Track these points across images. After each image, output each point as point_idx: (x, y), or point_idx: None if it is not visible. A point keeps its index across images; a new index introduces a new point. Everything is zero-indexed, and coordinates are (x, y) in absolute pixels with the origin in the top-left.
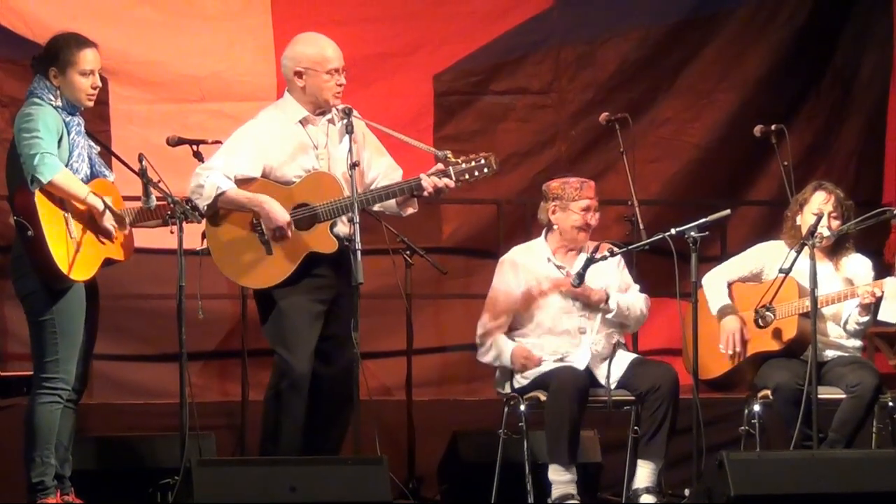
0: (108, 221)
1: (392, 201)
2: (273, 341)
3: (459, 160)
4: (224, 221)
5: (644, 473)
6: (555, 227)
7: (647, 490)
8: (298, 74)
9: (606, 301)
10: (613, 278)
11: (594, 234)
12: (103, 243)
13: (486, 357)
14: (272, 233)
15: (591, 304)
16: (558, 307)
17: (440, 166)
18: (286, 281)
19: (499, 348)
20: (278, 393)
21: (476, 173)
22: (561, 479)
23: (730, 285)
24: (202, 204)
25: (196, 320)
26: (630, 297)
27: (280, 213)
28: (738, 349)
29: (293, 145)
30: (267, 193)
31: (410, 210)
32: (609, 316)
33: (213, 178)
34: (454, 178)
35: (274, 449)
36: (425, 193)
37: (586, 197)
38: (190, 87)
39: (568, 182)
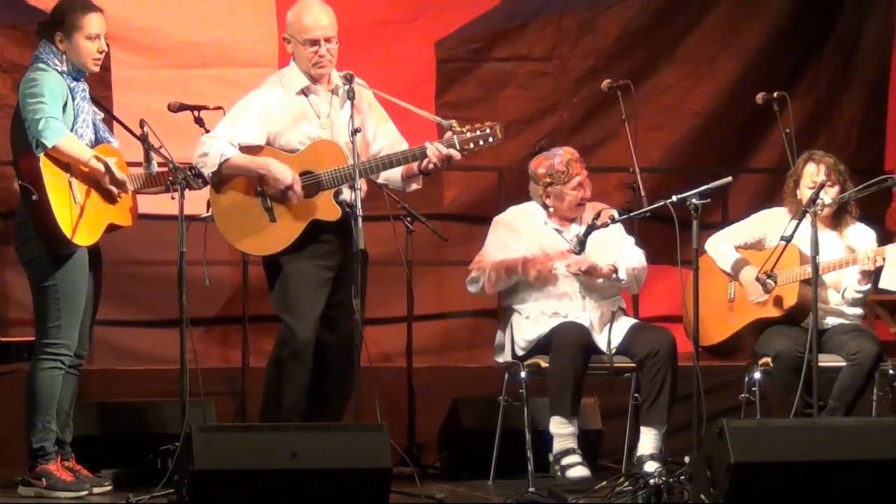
0: (111, 184)
1: (397, 175)
2: (278, 307)
3: (465, 129)
4: (228, 188)
5: (647, 440)
6: (549, 205)
7: (652, 457)
8: (286, 41)
9: (616, 272)
10: (617, 242)
11: (599, 200)
12: (107, 207)
13: (491, 286)
14: (281, 194)
15: (602, 278)
16: (560, 270)
17: (446, 136)
18: (291, 248)
19: (502, 271)
20: (280, 359)
21: (481, 142)
22: (563, 431)
23: None
24: (207, 172)
25: (197, 286)
26: (632, 258)
27: (286, 173)
28: (768, 294)
29: (296, 114)
30: None
31: (415, 186)
32: (622, 284)
33: (218, 145)
34: (459, 148)
35: (276, 415)
36: (430, 165)
37: (576, 174)
38: (191, 53)
39: (553, 166)
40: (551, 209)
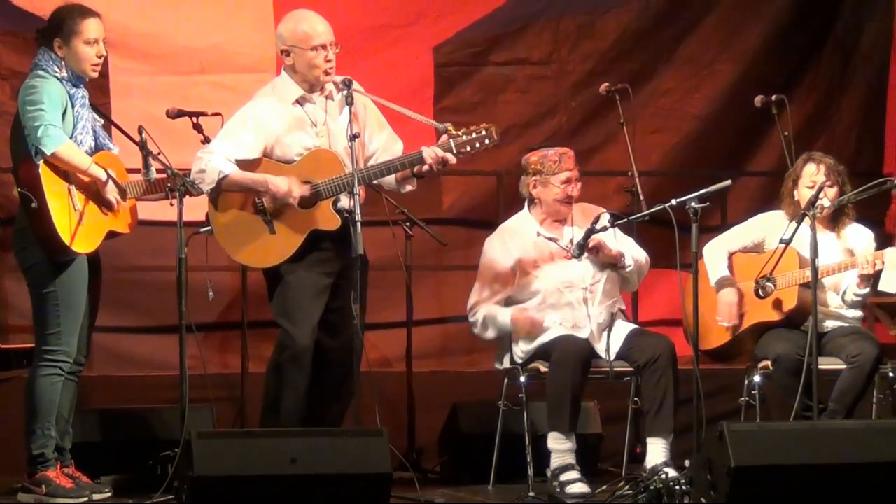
0: (111, 193)
1: (391, 178)
2: (277, 314)
3: (460, 132)
4: (227, 202)
5: (657, 450)
6: (536, 200)
7: (666, 464)
8: (285, 53)
9: (623, 257)
10: (616, 242)
11: (598, 203)
12: (106, 214)
13: (488, 334)
14: (288, 205)
15: (609, 262)
16: (560, 280)
17: (442, 139)
18: (290, 258)
19: (495, 322)
20: (279, 365)
21: (477, 144)
22: (561, 447)
23: (730, 255)
24: (206, 188)
25: (197, 293)
26: (635, 251)
27: (284, 184)
28: (734, 322)
29: (291, 124)
30: (269, 173)
31: (409, 188)
32: (627, 272)
33: (215, 161)
34: (455, 151)
35: (275, 421)
36: (426, 168)
37: (566, 169)
38: (189, 59)
39: (546, 155)
40: (537, 202)
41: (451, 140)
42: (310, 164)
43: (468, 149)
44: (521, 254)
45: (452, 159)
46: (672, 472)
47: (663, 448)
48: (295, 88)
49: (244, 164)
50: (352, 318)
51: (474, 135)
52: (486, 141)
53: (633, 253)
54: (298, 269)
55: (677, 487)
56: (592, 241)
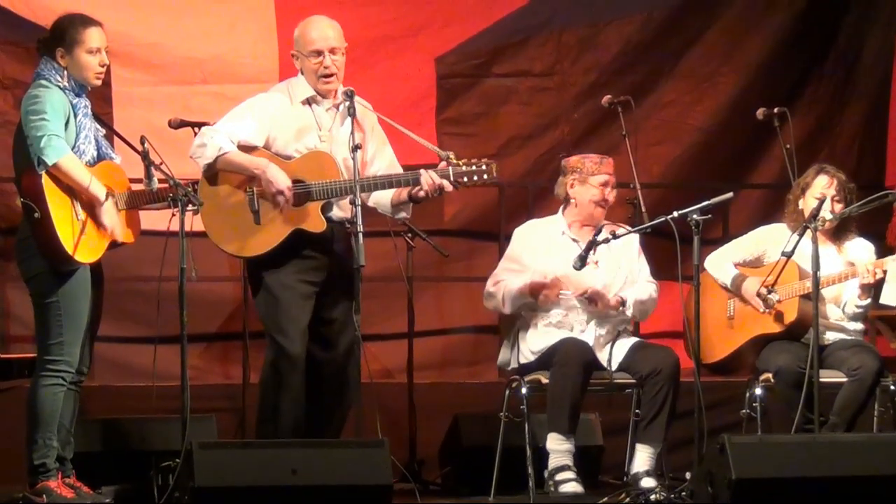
0: (107, 216)
1: (387, 200)
2: (265, 324)
3: (461, 163)
4: (218, 185)
5: (643, 457)
6: (572, 200)
7: (648, 473)
8: (294, 57)
9: (623, 304)
10: (626, 265)
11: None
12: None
13: (503, 307)
14: (272, 197)
15: (608, 308)
16: (570, 304)
17: (441, 165)
18: (275, 261)
19: (512, 294)
20: (275, 373)
21: (475, 178)
22: (559, 447)
23: None
24: (203, 163)
25: (198, 303)
26: (643, 291)
27: (281, 177)
28: (772, 303)
29: (298, 123)
30: None
31: (403, 214)
32: (628, 315)
33: (217, 138)
34: (453, 179)
35: (273, 430)
36: (422, 193)
37: (605, 172)
38: (192, 69)
39: (588, 157)
40: (572, 202)
41: (450, 168)
42: (307, 164)
43: (465, 180)
44: (543, 247)
45: (449, 187)
46: (653, 482)
47: (650, 457)
48: (307, 89)
49: (243, 150)
50: (346, 330)
51: (474, 167)
52: (485, 176)
53: (639, 294)
54: (281, 276)
55: (678, 500)
56: (590, 292)
